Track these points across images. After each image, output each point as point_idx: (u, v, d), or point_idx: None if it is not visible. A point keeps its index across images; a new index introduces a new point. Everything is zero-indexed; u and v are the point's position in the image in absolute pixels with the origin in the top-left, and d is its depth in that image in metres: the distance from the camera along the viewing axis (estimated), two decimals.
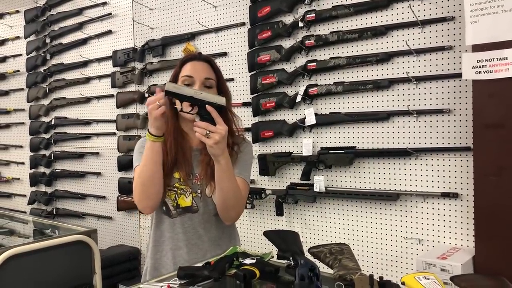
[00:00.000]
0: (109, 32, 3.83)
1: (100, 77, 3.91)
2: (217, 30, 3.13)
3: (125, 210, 3.76)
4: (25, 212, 4.45)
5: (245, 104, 3.00)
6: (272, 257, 1.52)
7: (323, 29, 2.65)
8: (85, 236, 2.27)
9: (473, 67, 1.99)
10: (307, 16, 2.65)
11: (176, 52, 3.40)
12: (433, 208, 2.32)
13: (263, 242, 2.92)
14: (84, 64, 4.02)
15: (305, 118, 2.69)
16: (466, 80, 2.10)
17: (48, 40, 4.30)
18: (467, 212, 2.21)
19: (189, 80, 1.56)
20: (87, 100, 4.00)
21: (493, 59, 1.93)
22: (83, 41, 4.03)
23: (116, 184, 3.76)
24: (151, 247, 1.67)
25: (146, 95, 3.53)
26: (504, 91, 1.93)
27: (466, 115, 2.20)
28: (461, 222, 2.24)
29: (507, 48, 1.89)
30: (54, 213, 4.27)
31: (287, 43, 2.80)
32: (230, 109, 1.62)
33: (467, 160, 2.20)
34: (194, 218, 1.62)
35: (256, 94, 2.91)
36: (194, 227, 1.62)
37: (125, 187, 3.70)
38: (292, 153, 2.79)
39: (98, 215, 4.00)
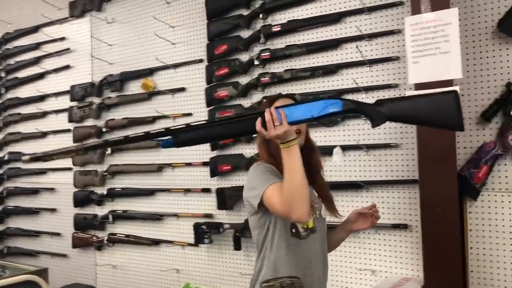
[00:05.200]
0: (67, 67, 3.82)
1: (57, 111, 3.86)
2: (175, 66, 3.19)
3: (81, 247, 3.65)
4: None
5: None
6: None
7: (278, 67, 2.75)
8: (35, 276, 2.21)
9: None
10: (262, 54, 2.75)
11: (134, 87, 3.42)
12: (384, 239, 2.39)
13: (221, 278, 2.89)
14: (41, 98, 3.97)
15: None
16: None
17: (3, 74, 4.24)
18: (417, 242, 2.30)
19: None
20: (43, 134, 3.93)
21: None
22: (40, 76, 3.98)
23: (71, 221, 3.67)
24: (272, 269, 1.60)
25: (104, 129, 3.51)
26: None
27: (413, 149, 2.31)
28: (411, 253, 2.32)
29: (447, 87, 2.02)
30: (5, 252, 4.10)
31: (243, 80, 2.88)
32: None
33: (415, 192, 2.30)
34: (315, 238, 1.63)
35: None
36: (316, 250, 1.64)
37: (80, 223, 3.62)
38: None
39: (52, 253, 3.87)
